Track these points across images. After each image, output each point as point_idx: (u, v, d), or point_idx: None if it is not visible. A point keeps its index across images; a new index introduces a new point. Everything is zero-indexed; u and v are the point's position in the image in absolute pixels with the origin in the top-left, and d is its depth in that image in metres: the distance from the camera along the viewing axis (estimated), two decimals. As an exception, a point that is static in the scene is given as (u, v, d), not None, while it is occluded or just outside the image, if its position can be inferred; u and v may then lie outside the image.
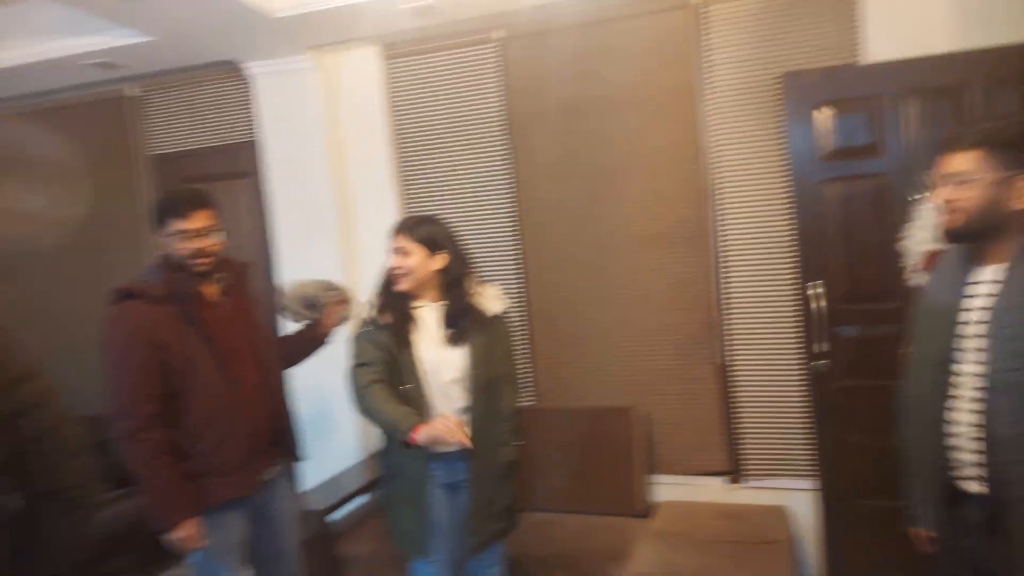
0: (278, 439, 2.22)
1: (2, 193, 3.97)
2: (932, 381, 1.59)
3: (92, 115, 3.81)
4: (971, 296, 1.55)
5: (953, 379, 1.55)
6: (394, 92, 3.35)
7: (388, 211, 3.32)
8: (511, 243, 3.24)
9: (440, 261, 2.09)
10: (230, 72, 3.49)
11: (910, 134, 2.53)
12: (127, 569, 3.24)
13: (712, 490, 2.99)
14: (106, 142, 3.81)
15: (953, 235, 1.58)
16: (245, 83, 3.46)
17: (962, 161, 1.53)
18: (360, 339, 2.14)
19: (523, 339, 3.22)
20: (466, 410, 2.10)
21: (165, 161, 3.77)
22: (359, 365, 2.10)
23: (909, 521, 1.72)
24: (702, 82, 2.93)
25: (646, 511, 2.83)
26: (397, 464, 2.15)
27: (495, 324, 2.15)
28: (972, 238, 1.56)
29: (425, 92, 3.30)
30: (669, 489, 3.03)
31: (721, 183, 2.94)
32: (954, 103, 2.48)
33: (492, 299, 2.17)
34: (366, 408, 2.07)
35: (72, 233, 3.85)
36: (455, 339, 2.09)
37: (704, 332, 2.99)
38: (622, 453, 2.84)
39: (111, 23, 2.91)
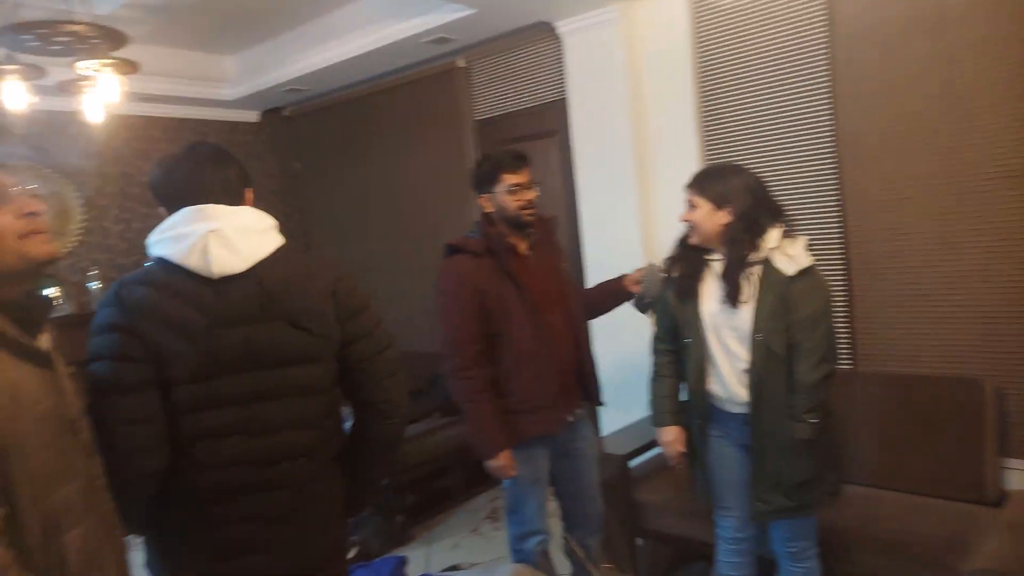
0: (582, 383, 2.35)
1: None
2: None
3: (431, 87, 4.33)
4: None
5: None
6: (700, 35, 3.18)
7: (688, 163, 3.20)
8: (829, 187, 2.89)
9: (726, 215, 1.98)
10: (545, 33, 3.65)
11: None
12: (455, 486, 3.79)
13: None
14: (441, 110, 4.31)
15: None
16: (558, 43, 3.59)
17: None
18: (657, 301, 2.24)
19: (842, 295, 2.88)
20: (747, 372, 1.98)
21: (487, 125, 4.14)
22: (655, 335, 2.26)
23: None
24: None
25: (998, 499, 2.37)
26: (688, 420, 2.17)
27: (794, 284, 1.93)
28: None
29: (736, 29, 3.07)
30: (1025, 477, 2.50)
31: None
32: None
33: (793, 256, 1.94)
34: (649, 382, 2.26)
35: (413, 196, 4.50)
36: (730, 297, 1.97)
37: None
38: (971, 431, 2.40)
39: (437, 1, 3.25)
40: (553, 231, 2.42)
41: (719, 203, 1.98)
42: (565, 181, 3.74)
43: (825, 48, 2.84)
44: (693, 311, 2.06)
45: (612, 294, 2.47)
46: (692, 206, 2.03)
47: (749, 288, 1.95)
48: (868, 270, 2.83)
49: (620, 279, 2.45)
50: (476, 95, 4.17)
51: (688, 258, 2.09)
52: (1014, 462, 2.51)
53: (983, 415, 2.39)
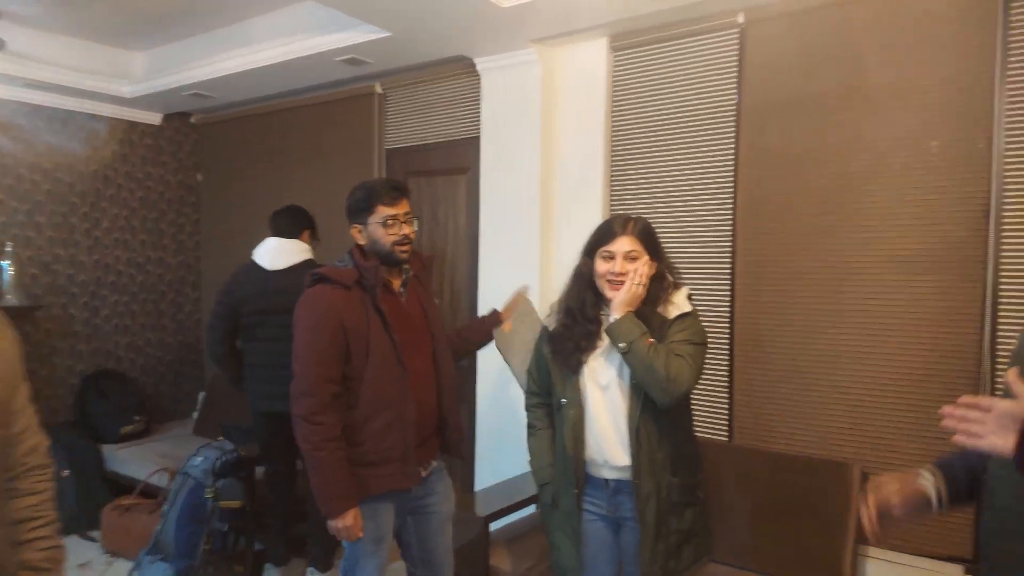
0: (442, 434, 2.18)
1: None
2: None
3: (345, 110, 4.17)
4: None
5: None
6: (616, 85, 3.16)
7: (593, 213, 3.15)
8: (722, 253, 2.87)
9: (654, 268, 1.92)
10: (465, 69, 3.56)
11: None
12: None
13: (941, 578, 2.35)
14: (353, 135, 4.15)
15: None
16: (478, 79, 3.51)
17: None
18: (534, 354, 2.12)
19: (724, 366, 2.84)
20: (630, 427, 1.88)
21: (397, 155, 4.00)
22: (528, 388, 2.17)
23: None
24: (999, 71, 2.31)
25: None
26: (556, 490, 2.02)
27: (674, 327, 1.88)
28: None
29: (650, 85, 3.05)
30: (886, 568, 2.44)
31: (1010, 197, 2.30)
32: None
33: (676, 303, 1.91)
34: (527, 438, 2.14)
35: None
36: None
37: (965, 384, 2.36)
38: (833, 516, 2.34)
39: (356, 21, 3.12)
40: (430, 271, 2.28)
41: (654, 255, 1.92)
42: (471, 221, 3.62)
43: (733, 116, 2.84)
44: (576, 373, 1.95)
45: (484, 332, 2.35)
46: (633, 258, 1.90)
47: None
48: (751, 342, 2.79)
49: (493, 315, 2.34)
50: (390, 123, 4.03)
51: (587, 313, 1.96)
52: (878, 552, 2.47)
53: (847, 499, 2.35)
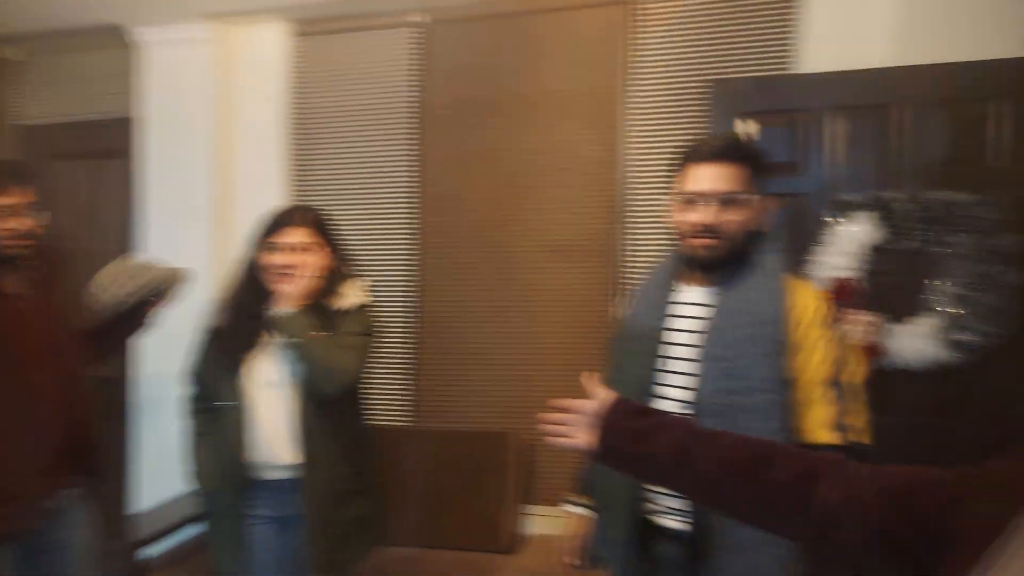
0: (76, 456, 1.90)
1: None
2: None
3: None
4: (677, 317, 1.42)
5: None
6: (300, 74, 3.05)
7: (276, 204, 3.01)
8: (408, 246, 2.95)
9: (330, 260, 1.88)
10: (116, 39, 3.14)
11: (834, 153, 2.31)
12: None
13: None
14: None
15: (711, 264, 1.39)
16: (130, 53, 3.12)
17: (727, 178, 1.33)
18: (197, 355, 1.95)
19: (411, 353, 2.93)
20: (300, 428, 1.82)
21: (37, 133, 3.40)
22: (188, 394, 1.96)
23: (593, 563, 1.54)
24: (627, 85, 2.69)
25: (512, 546, 2.54)
26: (220, 497, 1.89)
27: (343, 319, 1.86)
28: (723, 264, 1.37)
29: (333, 76, 3.02)
30: (548, 522, 2.75)
31: (635, 195, 2.70)
32: (881, 122, 2.27)
33: (351, 295, 1.89)
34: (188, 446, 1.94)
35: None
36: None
37: (599, 357, 2.73)
38: (493, 483, 2.56)
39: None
40: (62, 268, 1.96)
41: (328, 246, 1.86)
42: (124, 211, 3.19)
43: (418, 113, 2.92)
44: (237, 373, 1.84)
45: (126, 325, 2.07)
46: (304, 249, 1.81)
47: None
48: (436, 329, 2.92)
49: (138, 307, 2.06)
50: (30, 96, 3.42)
51: (250, 309, 1.85)
52: (541, 509, 2.75)
53: (505, 466, 2.58)
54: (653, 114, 2.69)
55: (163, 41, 3.05)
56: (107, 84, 3.27)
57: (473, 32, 2.87)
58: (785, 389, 1.30)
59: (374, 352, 1.98)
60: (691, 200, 1.41)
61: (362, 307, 1.91)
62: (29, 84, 3.42)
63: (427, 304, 2.93)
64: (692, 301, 1.45)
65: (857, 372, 1.34)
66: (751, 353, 1.32)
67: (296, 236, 1.83)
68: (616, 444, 1.00)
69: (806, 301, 1.37)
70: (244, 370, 1.84)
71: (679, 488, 1.01)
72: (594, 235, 2.75)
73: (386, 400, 2.94)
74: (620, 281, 2.71)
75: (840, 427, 1.29)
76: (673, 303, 1.47)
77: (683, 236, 1.43)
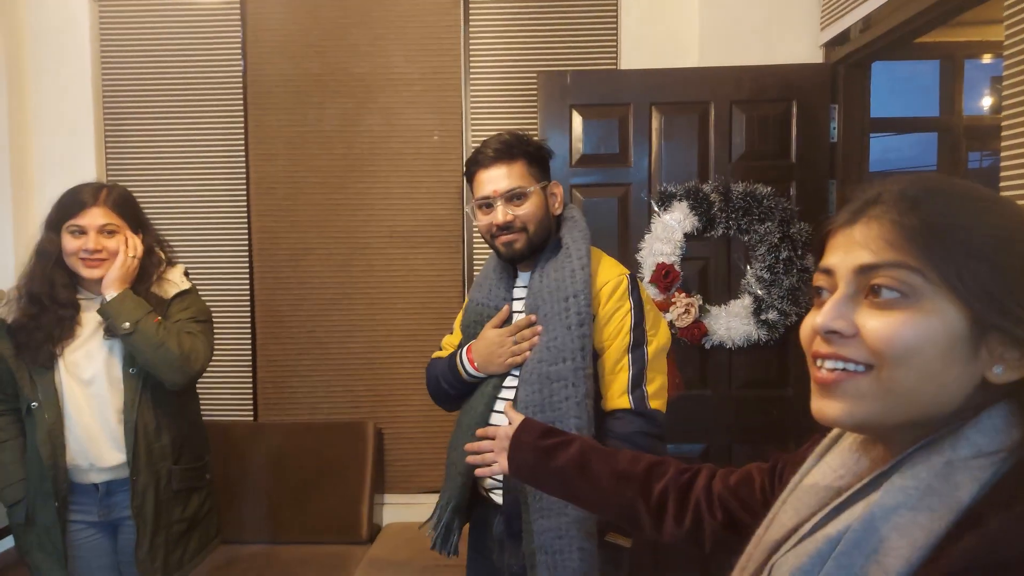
0: None
1: None
2: (481, 393, 1.53)
3: None
4: (514, 300, 1.55)
5: (501, 390, 1.52)
6: (106, 42, 2.76)
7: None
8: (237, 231, 2.80)
9: (141, 241, 1.75)
10: None
11: (656, 145, 2.49)
12: None
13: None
14: None
15: (519, 255, 1.51)
16: None
17: (508, 176, 1.47)
18: None
19: (244, 345, 2.81)
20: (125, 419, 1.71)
21: None
22: None
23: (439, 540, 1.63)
24: (469, 74, 2.72)
25: (370, 536, 2.56)
26: (30, 506, 1.73)
27: (170, 306, 1.76)
28: (532, 251, 1.50)
29: (148, 47, 2.76)
30: (400, 510, 2.79)
31: (476, 181, 2.75)
32: (700, 118, 2.48)
33: (175, 280, 1.80)
34: None
35: None
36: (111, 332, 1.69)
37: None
38: (353, 472, 2.55)
39: None
40: None
41: (136, 227, 1.74)
42: None
43: (240, 90, 2.76)
44: (50, 368, 1.68)
45: None
46: (110, 231, 1.68)
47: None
48: (271, 319, 2.82)
49: None
50: None
51: (48, 316, 1.67)
52: (394, 497, 2.77)
53: (365, 454, 2.57)
54: (493, 102, 2.75)
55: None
56: None
57: (295, 8, 2.75)
58: (591, 359, 1.43)
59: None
60: (483, 204, 1.51)
61: (192, 292, 1.82)
62: None
63: (261, 291, 2.81)
64: (520, 284, 1.57)
65: (655, 341, 1.48)
66: (561, 327, 1.43)
67: (99, 217, 1.69)
68: (525, 462, 1.10)
69: (608, 275, 1.50)
70: (55, 366, 1.68)
71: (577, 498, 1.10)
72: (441, 222, 2.77)
73: (222, 394, 2.79)
74: (467, 267, 2.76)
75: (636, 394, 1.42)
76: (509, 288, 1.57)
77: (489, 237, 1.53)
